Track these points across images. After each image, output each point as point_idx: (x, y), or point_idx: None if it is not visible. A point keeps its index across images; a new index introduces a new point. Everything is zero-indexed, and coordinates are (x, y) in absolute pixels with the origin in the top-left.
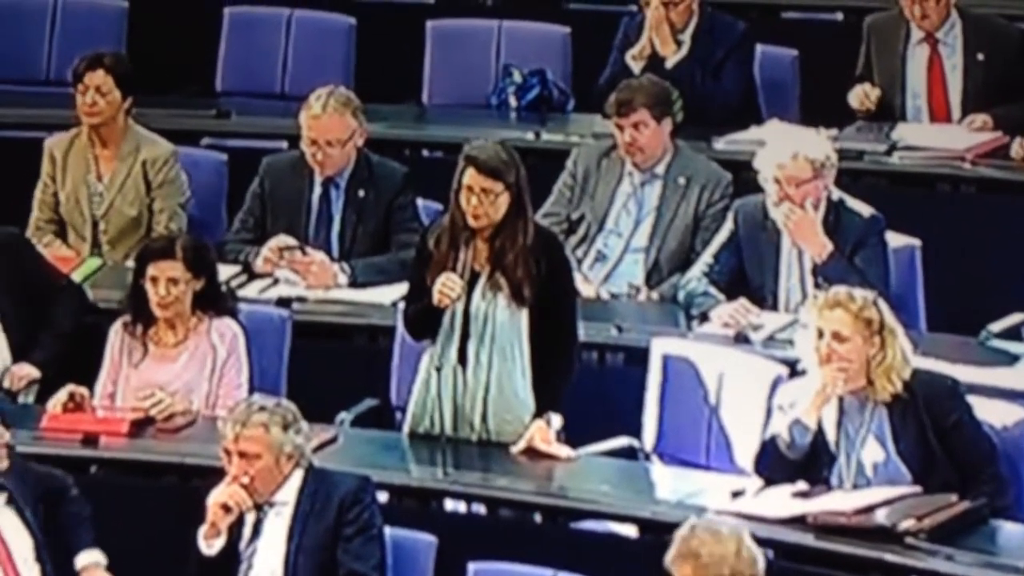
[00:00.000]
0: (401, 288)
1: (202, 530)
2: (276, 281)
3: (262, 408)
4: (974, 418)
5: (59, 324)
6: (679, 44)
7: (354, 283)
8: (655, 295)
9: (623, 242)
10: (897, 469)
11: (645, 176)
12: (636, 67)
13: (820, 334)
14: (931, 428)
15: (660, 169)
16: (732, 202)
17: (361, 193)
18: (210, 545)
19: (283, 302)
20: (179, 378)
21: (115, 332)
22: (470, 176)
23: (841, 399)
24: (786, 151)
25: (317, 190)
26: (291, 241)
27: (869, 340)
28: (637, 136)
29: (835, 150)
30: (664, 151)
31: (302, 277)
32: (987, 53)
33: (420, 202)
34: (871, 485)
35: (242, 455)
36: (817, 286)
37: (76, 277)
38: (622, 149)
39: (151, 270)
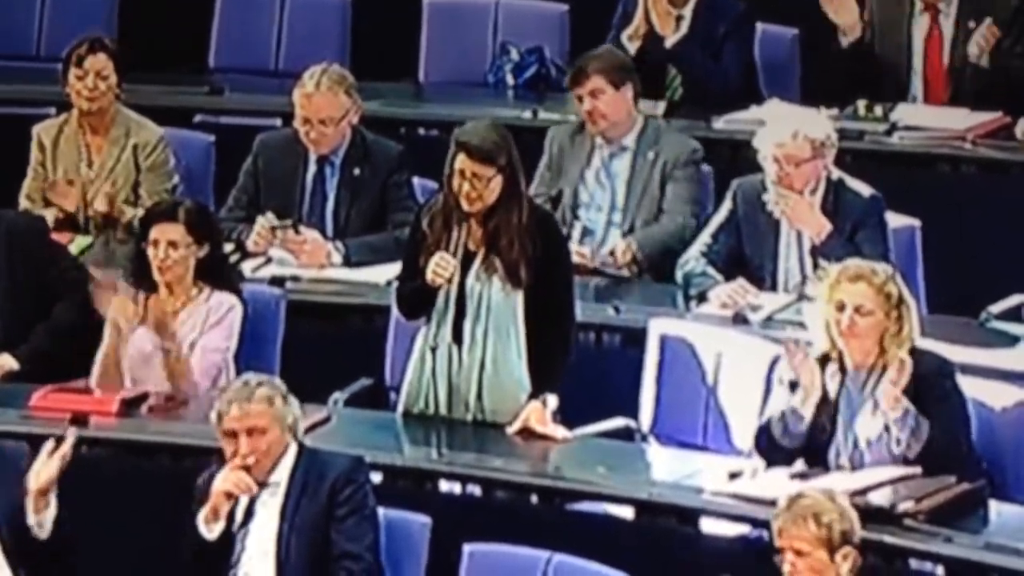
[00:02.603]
0: (396, 267)
1: (202, 514)
2: (269, 260)
3: (260, 383)
4: (960, 408)
5: (57, 319)
6: (679, 23)
7: (348, 262)
8: (633, 244)
9: (604, 216)
10: (889, 445)
11: (613, 148)
12: (632, 47)
13: (841, 307)
14: (920, 404)
15: (628, 141)
16: (701, 166)
17: (356, 171)
18: (211, 530)
19: (277, 281)
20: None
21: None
22: (462, 161)
23: (844, 374)
24: (786, 130)
25: (312, 168)
26: (280, 221)
27: (889, 315)
28: (596, 104)
29: (835, 130)
30: (630, 120)
31: (295, 256)
32: (979, 21)
33: (416, 181)
34: (865, 459)
35: (250, 432)
36: (816, 266)
37: None
38: (585, 120)
39: (153, 232)
